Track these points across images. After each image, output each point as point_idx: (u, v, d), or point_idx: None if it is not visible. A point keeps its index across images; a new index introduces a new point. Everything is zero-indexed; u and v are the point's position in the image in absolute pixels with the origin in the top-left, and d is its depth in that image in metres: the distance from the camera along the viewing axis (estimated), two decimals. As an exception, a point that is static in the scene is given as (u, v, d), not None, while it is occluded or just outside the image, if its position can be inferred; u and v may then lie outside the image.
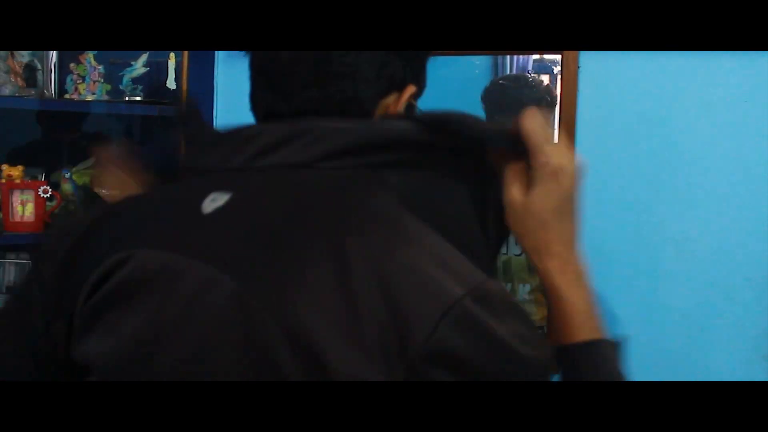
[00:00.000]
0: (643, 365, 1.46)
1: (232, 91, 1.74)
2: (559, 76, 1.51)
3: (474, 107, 1.71)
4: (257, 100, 0.69)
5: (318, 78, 0.65)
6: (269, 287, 0.55)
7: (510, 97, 1.69)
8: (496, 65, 1.73)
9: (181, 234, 0.62)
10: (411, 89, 0.70)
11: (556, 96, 1.63)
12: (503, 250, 1.60)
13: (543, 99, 1.67)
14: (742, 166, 1.38)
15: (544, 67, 1.68)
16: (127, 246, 0.63)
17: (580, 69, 1.46)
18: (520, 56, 1.70)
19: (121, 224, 0.67)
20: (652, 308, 1.45)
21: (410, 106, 0.71)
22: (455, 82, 1.77)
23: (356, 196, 0.61)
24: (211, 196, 0.62)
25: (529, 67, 1.71)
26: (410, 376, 0.52)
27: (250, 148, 0.65)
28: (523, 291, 1.68)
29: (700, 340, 1.41)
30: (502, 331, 0.54)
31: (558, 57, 1.52)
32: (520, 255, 1.66)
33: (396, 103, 0.69)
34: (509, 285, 1.67)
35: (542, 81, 1.68)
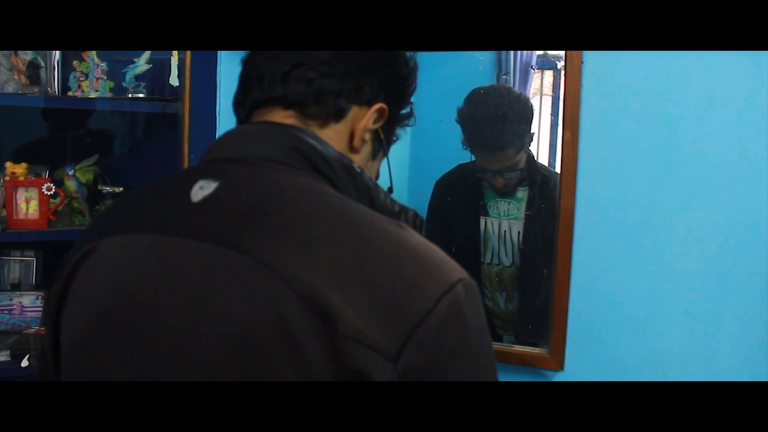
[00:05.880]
0: (648, 360, 1.47)
1: (234, 87, 1.73)
2: (562, 71, 1.50)
3: (477, 103, 1.71)
4: (245, 94, 0.76)
5: (296, 71, 0.71)
6: (278, 257, 0.58)
7: (488, 109, 1.68)
8: (499, 61, 1.73)
9: (171, 219, 0.64)
10: (377, 105, 0.74)
11: (533, 109, 1.65)
12: (496, 261, 1.69)
13: (523, 112, 1.66)
14: (746, 161, 1.37)
15: (547, 62, 1.68)
16: (102, 235, 0.67)
17: (584, 64, 1.46)
18: (524, 52, 1.69)
19: (106, 217, 0.72)
20: (657, 303, 1.44)
21: (377, 134, 0.76)
22: (459, 78, 1.77)
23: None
24: (200, 183, 0.65)
25: (533, 63, 1.70)
26: (404, 343, 0.56)
27: (236, 141, 0.71)
28: (517, 299, 1.69)
29: (705, 335, 1.41)
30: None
31: (562, 52, 1.52)
32: (510, 267, 1.66)
33: (364, 114, 0.73)
34: (504, 294, 1.69)
35: (520, 94, 1.67)
